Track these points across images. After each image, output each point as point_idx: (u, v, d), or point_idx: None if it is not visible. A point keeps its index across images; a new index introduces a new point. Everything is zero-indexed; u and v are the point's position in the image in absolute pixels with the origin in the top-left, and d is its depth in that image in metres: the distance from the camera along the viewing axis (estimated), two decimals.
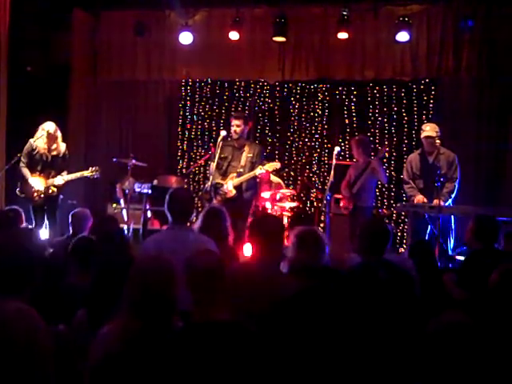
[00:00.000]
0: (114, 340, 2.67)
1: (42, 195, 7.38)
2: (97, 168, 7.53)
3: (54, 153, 7.46)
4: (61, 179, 7.41)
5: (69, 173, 7.52)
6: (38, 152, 7.41)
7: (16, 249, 2.86)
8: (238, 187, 7.15)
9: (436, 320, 2.33)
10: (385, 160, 9.14)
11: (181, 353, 2.52)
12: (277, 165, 7.16)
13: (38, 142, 7.39)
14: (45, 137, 7.36)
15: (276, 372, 2.40)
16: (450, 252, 6.98)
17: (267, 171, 7.16)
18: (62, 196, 7.62)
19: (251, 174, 7.07)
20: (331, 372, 2.37)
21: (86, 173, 7.53)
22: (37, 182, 7.39)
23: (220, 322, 2.73)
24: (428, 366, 2.27)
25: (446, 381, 2.23)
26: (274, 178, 9.05)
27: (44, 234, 7.25)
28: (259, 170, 7.00)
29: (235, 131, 7.24)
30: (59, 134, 7.52)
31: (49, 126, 7.39)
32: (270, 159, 9.44)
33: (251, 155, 7.18)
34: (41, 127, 7.40)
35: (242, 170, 7.16)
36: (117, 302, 2.80)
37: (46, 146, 7.40)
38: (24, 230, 5.55)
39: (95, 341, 2.77)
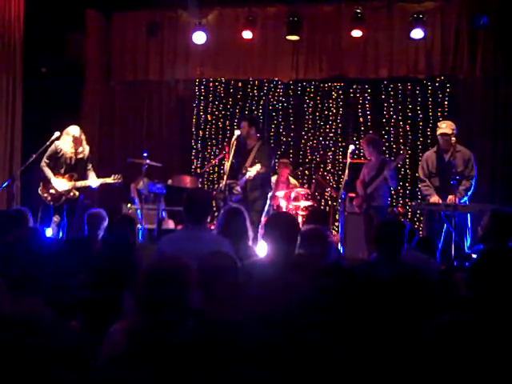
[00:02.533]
0: (121, 340, 2.66)
1: (64, 197, 7.42)
2: (119, 176, 7.56)
3: (80, 156, 7.53)
4: (95, 181, 7.49)
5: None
6: (62, 155, 7.45)
7: (29, 247, 2.90)
8: (243, 188, 7.20)
9: (435, 321, 2.29)
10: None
11: (194, 352, 2.51)
12: (258, 167, 7.06)
13: (64, 145, 7.43)
14: (71, 141, 7.42)
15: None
16: (466, 250, 6.91)
17: (250, 177, 7.08)
18: (82, 197, 7.66)
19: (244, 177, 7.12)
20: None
21: (109, 180, 7.58)
22: (60, 183, 7.43)
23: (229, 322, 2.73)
24: (425, 367, 2.23)
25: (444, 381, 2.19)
26: (292, 180, 9.04)
27: (52, 233, 7.26)
28: (248, 173, 7.01)
29: (242, 132, 7.31)
30: (83, 136, 7.59)
31: (74, 130, 7.46)
32: (284, 158, 9.50)
33: (257, 156, 7.21)
34: (65, 131, 7.46)
35: (244, 171, 7.16)
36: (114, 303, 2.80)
37: (73, 150, 7.46)
38: (34, 230, 5.56)
39: (104, 340, 2.77)
